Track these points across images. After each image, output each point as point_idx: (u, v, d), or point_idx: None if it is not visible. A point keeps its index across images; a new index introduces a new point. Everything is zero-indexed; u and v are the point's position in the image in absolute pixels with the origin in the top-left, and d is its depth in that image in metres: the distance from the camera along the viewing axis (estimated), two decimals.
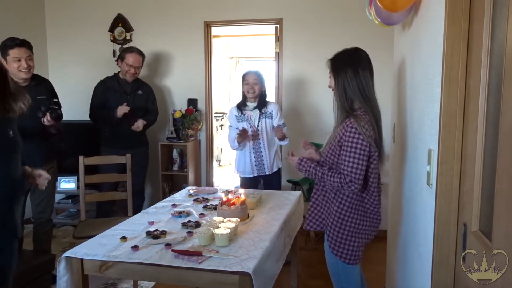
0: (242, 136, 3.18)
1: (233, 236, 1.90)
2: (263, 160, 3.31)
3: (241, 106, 3.34)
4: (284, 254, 2.16)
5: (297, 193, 2.82)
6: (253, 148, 3.30)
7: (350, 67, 1.87)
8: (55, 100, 2.89)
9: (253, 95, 3.27)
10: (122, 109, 3.50)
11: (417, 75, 1.87)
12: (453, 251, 1.44)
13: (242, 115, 3.32)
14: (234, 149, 3.35)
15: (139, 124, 3.61)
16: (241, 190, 2.56)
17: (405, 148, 2.07)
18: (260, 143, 3.30)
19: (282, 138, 3.25)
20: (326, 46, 3.91)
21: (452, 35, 1.37)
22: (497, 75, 1.14)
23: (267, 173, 3.34)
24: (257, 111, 3.31)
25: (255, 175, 3.34)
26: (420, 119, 1.77)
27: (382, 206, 2.03)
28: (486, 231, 1.19)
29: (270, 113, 3.31)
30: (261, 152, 3.30)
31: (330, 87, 2.00)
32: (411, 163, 1.93)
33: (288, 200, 2.60)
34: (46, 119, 2.72)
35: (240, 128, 3.25)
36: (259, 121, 3.28)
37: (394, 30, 2.60)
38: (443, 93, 1.40)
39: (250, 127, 3.27)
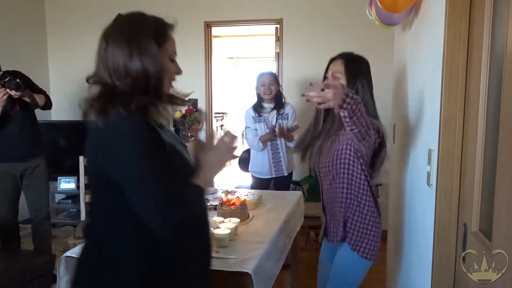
0: (271, 134, 3.19)
1: (233, 236, 1.90)
2: (281, 161, 3.31)
3: (257, 108, 3.33)
4: (284, 254, 2.16)
5: (297, 193, 2.82)
6: (271, 149, 3.30)
7: (365, 77, 1.80)
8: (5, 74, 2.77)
9: (270, 96, 3.26)
10: None
11: (417, 75, 1.87)
12: (453, 251, 1.44)
13: (259, 117, 3.31)
14: (258, 150, 3.31)
15: None
16: (241, 190, 2.56)
17: (405, 148, 2.07)
18: (277, 144, 3.29)
19: (290, 139, 3.24)
20: (326, 46, 3.91)
21: (452, 36, 1.37)
22: (497, 75, 1.14)
23: (285, 174, 3.34)
24: (274, 112, 3.30)
25: (274, 176, 3.33)
26: (420, 119, 1.77)
27: (382, 206, 2.02)
28: (486, 231, 1.19)
29: (286, 114, 3.31)
30: (279, 153, 3.30)
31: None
32: (411, 163, 1.93)
33: (288, 200, 2.60)
34: (13, 93, 2.68)
35: (257, 129, 3.27)
36: (276, 123, 3.27)
37: (395, 31, 2.60)
38: (443, 94, 1.40)
39: (267, 128, 3.27)
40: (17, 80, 2.68)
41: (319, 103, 1.42)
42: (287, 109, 3.32)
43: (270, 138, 3.23)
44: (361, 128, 1.55)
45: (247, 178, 3.74)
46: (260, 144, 3.24)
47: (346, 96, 1.39)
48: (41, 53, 4.60)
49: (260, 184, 3.35)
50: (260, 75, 3.31)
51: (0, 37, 4.00)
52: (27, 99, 2.78)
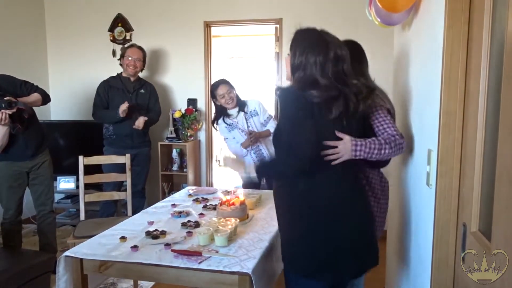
0: (249, 141, 3.19)
1: (232, 236, 1.90)
2: (264, 158, 3.30)
3: (224, 118, 3.31)
4: None
5: None
6: (252, 149, 3.29)
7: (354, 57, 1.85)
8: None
9: (233, 104, 3.25)
10: (122, 107, 3.50)
11: (416, 75, 1.87)
12: (453, 251, 1.44)
13: (230, 125, 3.30)
14: (244, 156, 3.29)
15: (140, 122, 3.61)
16: (241, 190, 2.56)
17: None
18: (258, 146, 3.29)
19: (267, 135, 3.23)
20: None
21: (452, 36, 1.37)
22: (496, 75, 1.14)
23: None
24: (241, 114, 3.29)
25: None
26: (419, 119, 1.77)
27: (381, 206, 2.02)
28: (485, 232, 1.19)
29: (254, 110, 3.30)
30: (261, 150, 3.29)
31: None
32: (411, 164, 1.93)
33: None
34: (9, 112, 2.66)
35: (235, 137, 3.26)
36: (247, 123, 3.27)
37: (394, 31, 2.60)
38: (442, 94, 1.40)
39: (242, 131, 3.26)
40: (4, 98, 2.64)
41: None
42: (252, 105, 3.30)
43: (250, 144, 3.23)
44: (388, 155, 1.67)
45: None
46: (244, 150, 3.24)
47: (355, 146, 1.58)
48: (41, 53, 4.59)
49: (250, 182, 3.33)
50: (214, 87, 3.24)
51: (0, 37, 4.01)
52: (25, 114, 2.79)
